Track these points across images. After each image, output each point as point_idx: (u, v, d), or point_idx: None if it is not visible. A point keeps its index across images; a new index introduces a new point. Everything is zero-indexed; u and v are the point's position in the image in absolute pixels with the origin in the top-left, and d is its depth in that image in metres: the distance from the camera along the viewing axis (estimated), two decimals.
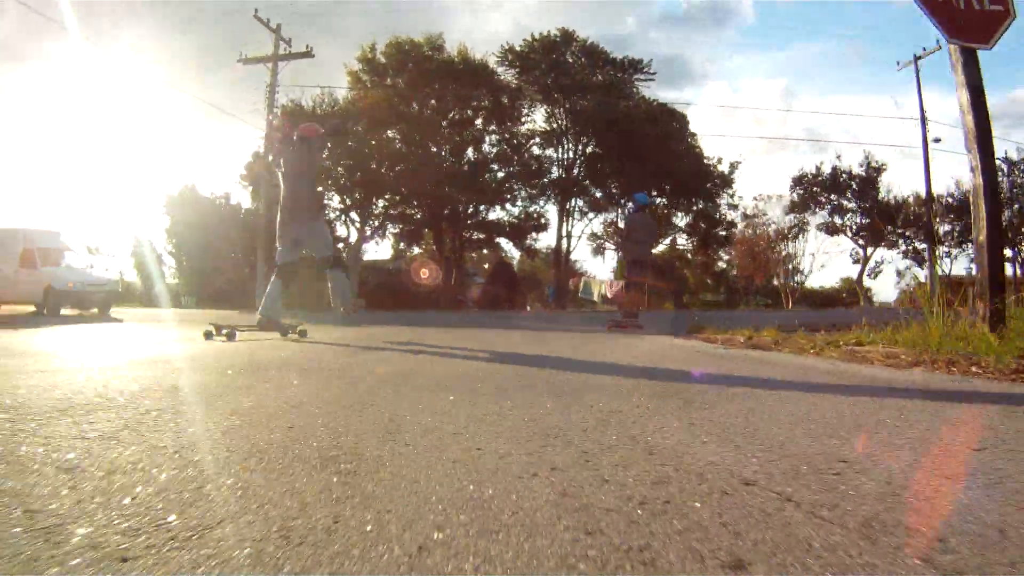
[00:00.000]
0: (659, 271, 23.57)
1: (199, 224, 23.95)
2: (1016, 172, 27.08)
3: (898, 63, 27.29)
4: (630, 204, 9.73)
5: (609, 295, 22.77)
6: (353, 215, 22.32)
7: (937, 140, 26.18)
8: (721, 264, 29.79)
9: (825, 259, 41.32)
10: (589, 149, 23.60)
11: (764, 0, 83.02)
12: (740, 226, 26.70)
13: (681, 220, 25.86)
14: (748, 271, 29.78)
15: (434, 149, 22.14)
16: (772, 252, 30.42)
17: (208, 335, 4.62)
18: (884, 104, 69.33)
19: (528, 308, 21.13)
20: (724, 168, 25.90)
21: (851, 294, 37.46)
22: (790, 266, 31.49)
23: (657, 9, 56.21)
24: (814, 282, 36.62)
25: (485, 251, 26.64)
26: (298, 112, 21.02)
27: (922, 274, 30.96)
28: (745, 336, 4.45)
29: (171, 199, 25.29)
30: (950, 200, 26.98)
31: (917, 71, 27.12)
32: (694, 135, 25.92)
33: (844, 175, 28.25)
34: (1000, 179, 28.37)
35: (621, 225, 24.40)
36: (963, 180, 28.96)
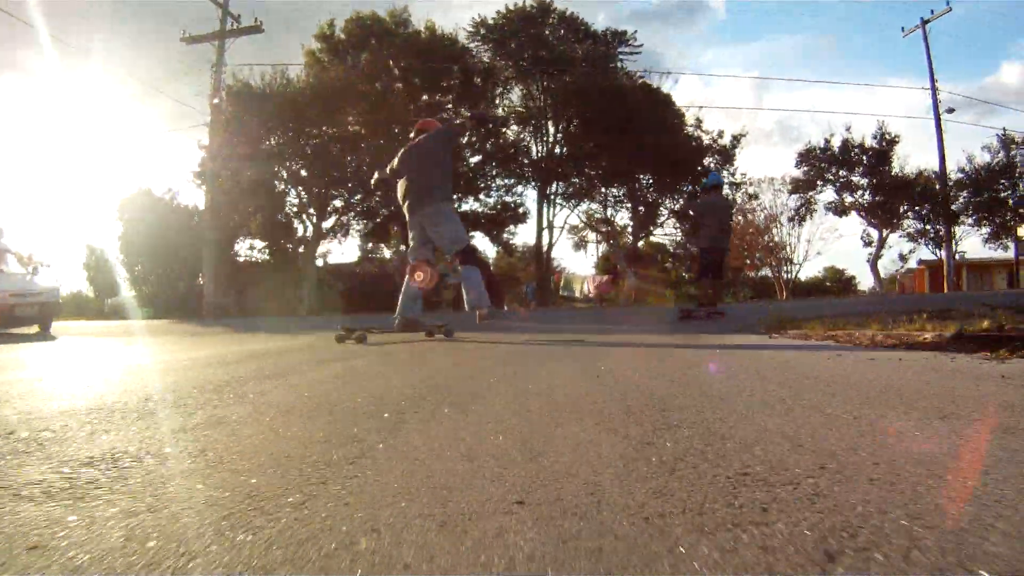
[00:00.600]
0: (643, 263, 21.90)
1: (154, 230, 22.47)
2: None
3: (903, 29, 25.49)
4: (701, 184, 9.62)
5: (592, 291, 21.17)
6: (312, 210, 20.54)
7: (951, 110, 24.97)
8: None
9: (821, 245, 38.13)
10: (571, 129, 21.60)
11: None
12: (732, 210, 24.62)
13: (676, 204, 24.45)
14: (738, 261, 27.99)
15: (398, 131, 20.33)
16: (763, 239, 28.56)
17: (340, 339, 4.55)
18: (860, 96, 66.33)
19: (506, 308, 19.59)
20: (726, 142, 24.77)
21: (837, 282, 35.91)
22: (783, 255, 29.60)
23: (627, 6, 55.97)
24: (807, 272, 35.55)
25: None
26: (246, 93, 19.31)
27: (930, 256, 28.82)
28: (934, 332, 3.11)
29: (123, 203, 23.71)
30: (961, 176, 24.81)
31: (925, 36, 25.45)
32: (681, 113, 24.58)
33: (856, 148, 26.62)
34: (1001, 156, 26.57)
35: (608, 215, 22.56)
36: (976, 154, 26.91)
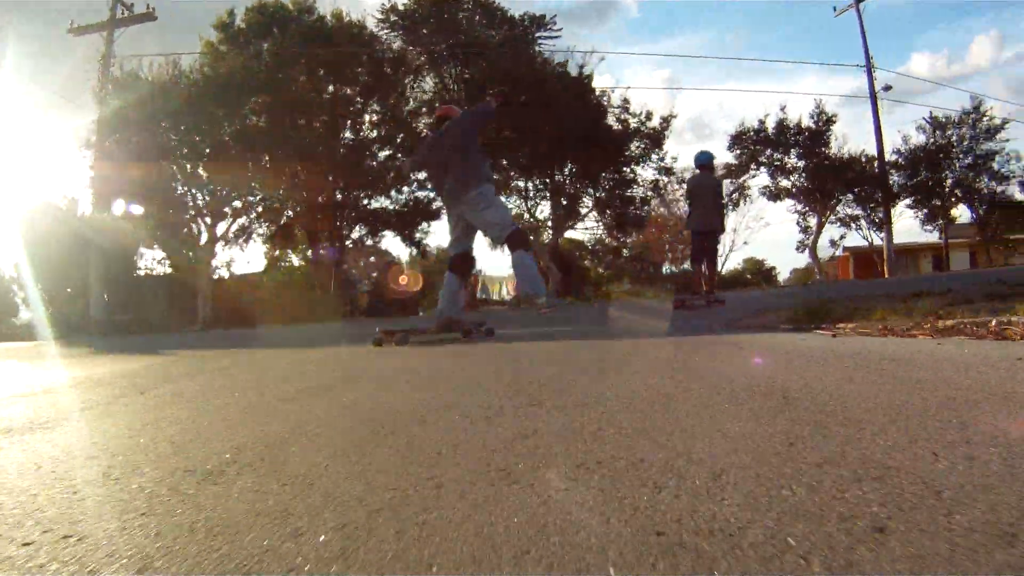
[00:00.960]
0: (564, 261, 20.98)
1: (57, 244, 20.76)
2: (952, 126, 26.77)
3: (835, 8, 24.89)
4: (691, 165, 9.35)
5: (511, 292, 20.26)
6: (207, 212, 19.21)
7: (888, 88, 24.75)
8: (626, 251, 26.76)
9: (748, 235, 37.57)
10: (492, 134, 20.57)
11: None
12: (654, 202, 23.93)
13: (599, 194, 23.88)
14: (660, 257, 27.41)
15: (303, 124, 19.09)
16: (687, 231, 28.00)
17: (379, 342, 4.40)
18: (772, 95, 66.97)
19: (421, 314, 18.66)
20: (655, 124, 23.76)
21: (757, 274, 35.89)
22: None
23: (538, 6, 56.32)
24: (728, 264, 35.08)
25: (372, 258, 23.74)
26: (134, 85, 17.92)
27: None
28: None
29: (25, 217, 21.99)
30: (896, 157, 24.69)
31: (859, 13, 24.83)
32: (605, 95, 23.60)
33: (792, 129, 26.04)
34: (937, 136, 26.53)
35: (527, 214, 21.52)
36: (911, 134, 26.69)
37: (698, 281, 7.59)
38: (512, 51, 21.66)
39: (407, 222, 21.59)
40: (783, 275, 42.06)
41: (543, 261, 20.37)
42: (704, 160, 7.98)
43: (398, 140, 21.26)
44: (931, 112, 26.26)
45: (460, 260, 4.70)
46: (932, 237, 29.23)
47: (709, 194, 7.58)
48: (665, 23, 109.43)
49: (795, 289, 14.46)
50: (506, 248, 4.59)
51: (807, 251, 27.72)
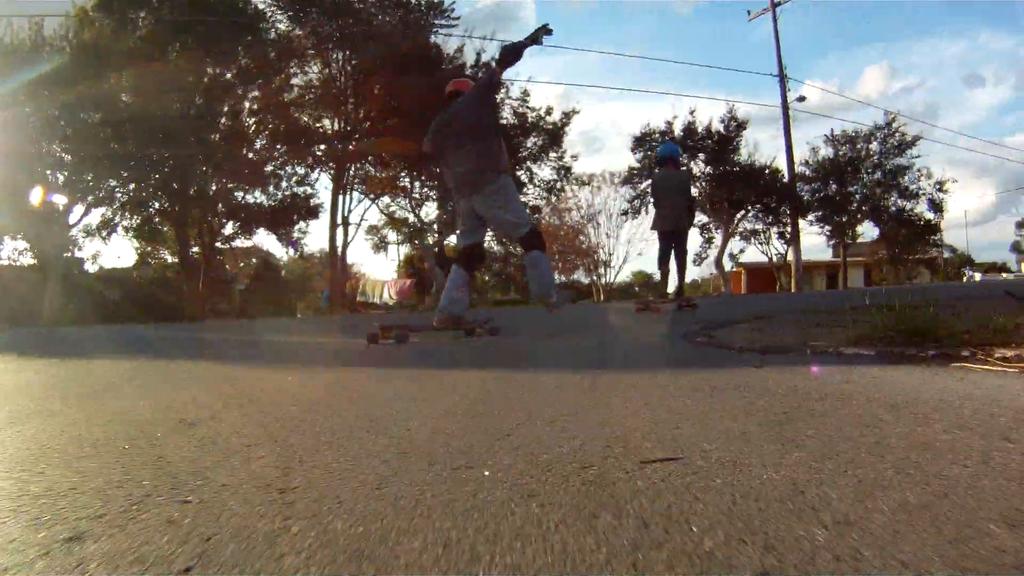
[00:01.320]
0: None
1: None
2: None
3: (749, 12, 24.37)
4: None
5: (393, 296, 19.73)
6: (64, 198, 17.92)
7: (802, 98, 24.44)
8: (515, 259, 26.05)
9: (643, 247, 36.97)
10: (375, 114, 19.57)
11: (546, 3, 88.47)
12: (545, 211, 23.45)
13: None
14: (552, 266, 27.07)
15: (178, 107, 17.81)
16: (579, 241, 27.72)
17: (373, 339, 3.94)
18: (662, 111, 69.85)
19: (299, 315, 17.97)
20: (556, 119, 22.97)
21: (644, 287, 36.36)
22: (598, 257, 28.83)
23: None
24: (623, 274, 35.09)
25: (251, 261, 22.67)
26: None
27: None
28: None
29: None
30: (804, 169, 24.73)
31: (775, 18, 24.53)
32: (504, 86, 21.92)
33: (702, 132, 25.46)
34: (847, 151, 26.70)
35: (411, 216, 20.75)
36: (820, 147, 26.82)
37: (664, 284, 7.21)
38: (405, 36, 20.49)
39: (283, 220, 20.72)
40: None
41: (427, 264, 19.76)
42: (668, 153, 7.57)
43: (280, 130, 20.08)
44: (832, 130, 26.39)
45: (469, 253, 4.37)
46: (824, 255, 29.55)
47: (676, 191, 7.06)
48: (561, 38, 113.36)
49: (757, 298, 13.26)
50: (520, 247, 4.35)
51: (704, 263, 27.62)
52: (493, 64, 4.65)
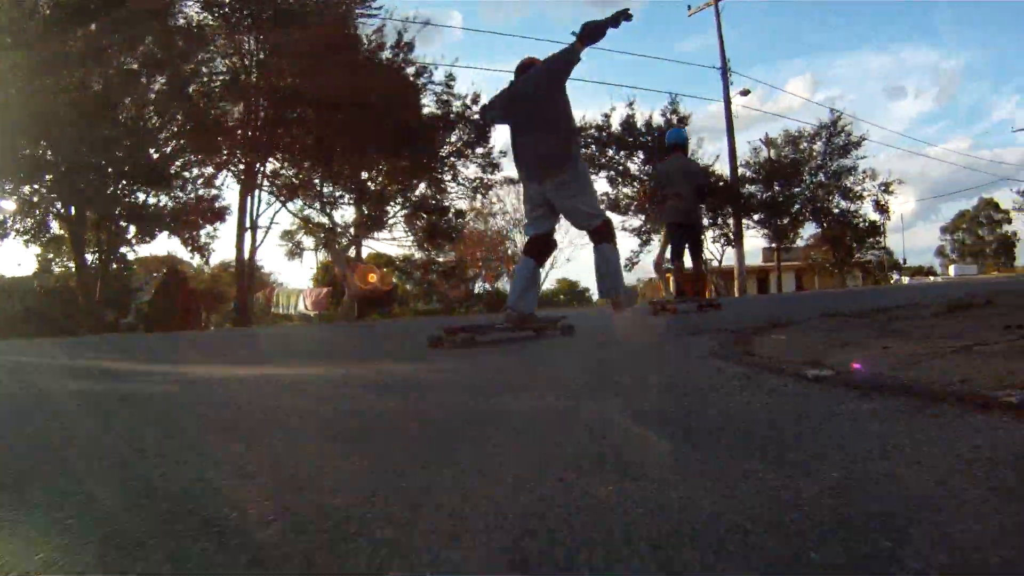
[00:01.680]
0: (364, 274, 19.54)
1: None
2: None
3: (689, 7, 23.45)
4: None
5: (309, 306, 18.80)
6: None
7: (746, 92, 23.33)
8: (436, 266, 24.97)
9: (571, 252, 34.74)
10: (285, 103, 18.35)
11: (471, 18, 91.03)
12: (470, 215, 22.44)
13: (413, 195, 21.30)
14: (472, 273, 26.36)
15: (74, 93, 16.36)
16: (503, 247, 26.85)
17: (436, 343, 3.54)
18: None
19: (213, 328, 16.93)
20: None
21: (568, 294, 36.24)
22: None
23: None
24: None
25: (159, 272, 21.36)
26: None
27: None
28: None
29: None
30: (745, 171, 24.40)
31: (718, 12, 23.79)
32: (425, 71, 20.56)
33: (643, 127, 23.89)
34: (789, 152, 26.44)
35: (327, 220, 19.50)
36: (761, 147, 26.45)
37: (680, 281, 6.84)
38: (324, 22, 18.84)
39: (188, 223, 19.09)
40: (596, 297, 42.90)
41: (338, 270, 18.49)
42: (676, 139, 6.89)
43: (188, 127, 18.51)
44: (767, 134, 25.88)
45: (539, 243, 4.08)
46: (755, 259, 29.25)
47: (685, 179, 6.49)
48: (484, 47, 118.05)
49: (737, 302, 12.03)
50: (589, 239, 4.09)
51: (635, 268, 26.26)
52: (575, 41, 3.84)
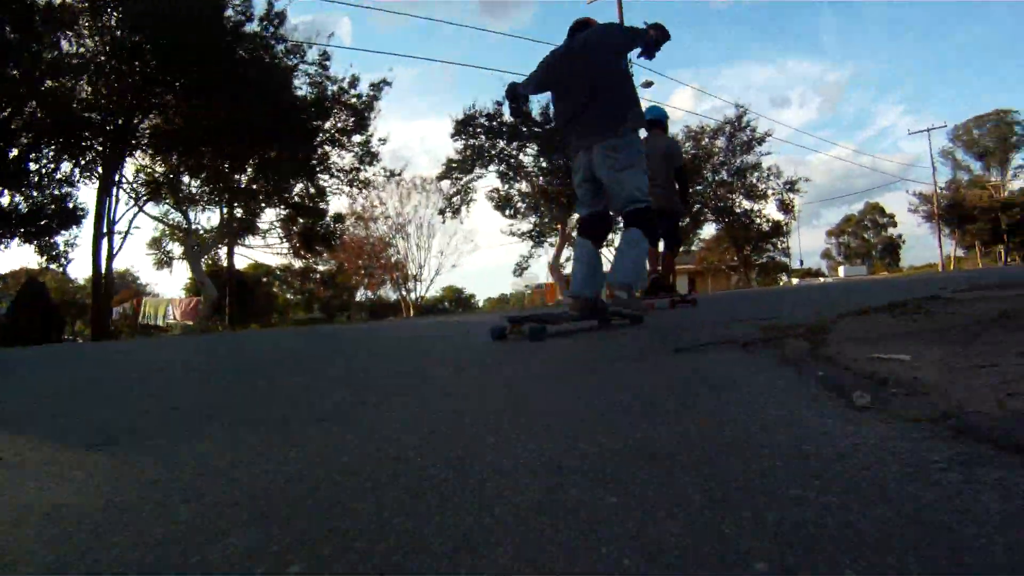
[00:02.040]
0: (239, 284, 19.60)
1: None
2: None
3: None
4: None
5: (178, 316, 18.79)
6: None
7: (649, 84, 22.23)
8: (315, 274, 25.40)
9: (456, 258, 37.14)
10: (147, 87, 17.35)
11: (360, 24, 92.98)
12: (349, 221, 22.56)
13: (291, 198, 19.66)
14: (359, 278, 26.47)
15: None
16: (386, 253, 26.90)
17: (499, 333, 3.25)
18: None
19: (76, 339, 16.55)
20: (362, 92, 19.25)
21: (456, 303, 37.58)
22: (408, 271, 28.10)
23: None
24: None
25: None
26: None
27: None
28: None
29: None
30: None
31: (620, 4, 22.73)
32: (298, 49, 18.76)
33: (538, 116, 21.98)
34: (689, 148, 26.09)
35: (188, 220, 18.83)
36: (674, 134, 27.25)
37: (657, 274, 6.10)
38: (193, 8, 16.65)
39: (42, 227, 16.78)
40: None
41: (197, 276, 17.87)
42: (655, 115, 6.26)
43: (38, 117, 16.52)
44: (724, 116, 25.74)
45: (595, 221, 3.76)
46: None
47: (662, 160, 5.90)
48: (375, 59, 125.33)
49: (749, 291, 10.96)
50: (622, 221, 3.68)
51: (525, 271, 26.19)
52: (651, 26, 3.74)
